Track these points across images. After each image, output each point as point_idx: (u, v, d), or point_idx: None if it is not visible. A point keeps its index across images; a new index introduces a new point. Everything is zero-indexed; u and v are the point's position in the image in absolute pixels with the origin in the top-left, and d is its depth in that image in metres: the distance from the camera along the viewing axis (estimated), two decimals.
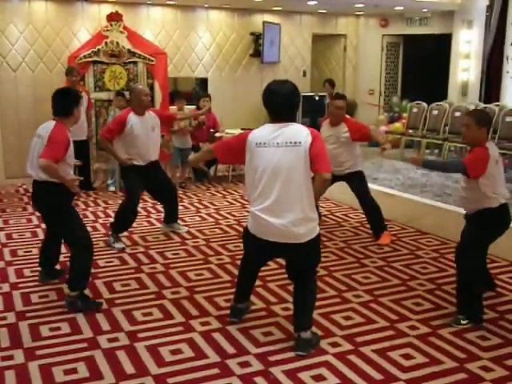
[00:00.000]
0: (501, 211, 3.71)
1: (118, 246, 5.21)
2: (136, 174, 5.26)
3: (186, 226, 5.95)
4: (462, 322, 3.66)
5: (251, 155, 3.26)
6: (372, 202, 5.53)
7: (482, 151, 3.63)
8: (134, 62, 7.89)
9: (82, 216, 5.28)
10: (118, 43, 7.71)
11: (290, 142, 3.16)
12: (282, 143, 3.17)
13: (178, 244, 5.37)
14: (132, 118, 5.15)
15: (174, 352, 3.31)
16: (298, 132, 3.20)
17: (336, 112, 5.45)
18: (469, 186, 3.69)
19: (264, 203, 3.22)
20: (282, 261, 4.89)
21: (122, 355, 3.27)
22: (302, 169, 3.16)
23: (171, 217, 5.77)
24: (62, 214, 3.94)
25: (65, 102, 3.92)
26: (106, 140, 5.21)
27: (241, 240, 5.50)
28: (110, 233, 5.39)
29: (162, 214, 6.40)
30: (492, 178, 3.64)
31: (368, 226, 6.03)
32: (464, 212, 3.88)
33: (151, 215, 6.38)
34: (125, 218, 5.35)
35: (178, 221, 5.85)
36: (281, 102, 3.24)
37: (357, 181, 5.58)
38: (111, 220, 5.63)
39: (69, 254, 4.16)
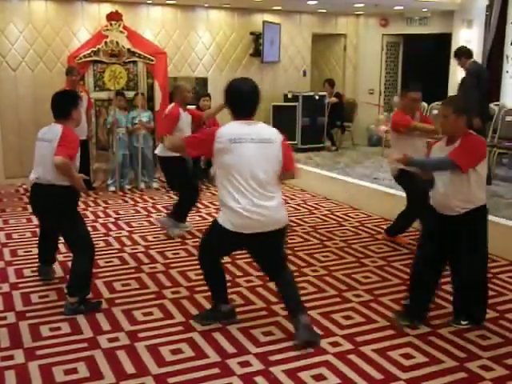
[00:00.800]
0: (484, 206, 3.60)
1: (178, 232, 5.50)
2: (182, 165, 5.45)
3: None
4: (462, 322, 3.66)
5: (226, 151, 3.31)
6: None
7: (474, 138, 3.45)
8: (134, 62, 7.90)
9: (83, 216, 5.29)
10: (117, 43, 7.70)
11: (265, 139, 3.35)
12: (257, 139, 3.33)
13: (178, 244, 5.37)
14: (182, 112, 5.34)
15: (174, 352, 3.31)
16: (269, 130, 3.46)
17: (411, 105, 4.93)
18: (460, 177, 3.43)
19: (248, 198, 3.30)
20: None
21: (122, 355, 3.28)
22: (276, 163, 3.37)
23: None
24: (68, 217, 3.92)
25: (62, 105, 3.91)
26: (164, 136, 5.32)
27: None
28: (167, 219, 5.58)
29: (163, 214, 6.41)
30: (483, 171, 3.51)
31: (368, 225, 6.05)
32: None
33: (151, 215, 6.38)
34: (188, 208, 5.62)
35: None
36: (251, 99, 3.39)
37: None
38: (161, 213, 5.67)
39: (68, 254, 4.16)
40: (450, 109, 3.45)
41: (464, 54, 6.76)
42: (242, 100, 3.39)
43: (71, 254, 4.07)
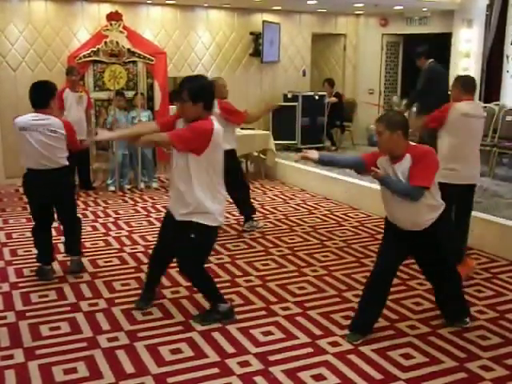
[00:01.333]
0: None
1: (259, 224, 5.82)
2: (235, 159, 5.88)
3: None
4: (466, 320, 3.67)
5: (219, 147, 3.49)
6: None
7: (424, 150, 3.31)
8: (134, 62, 7.90)
9: (82, 216, 5.30)
10: (117, 43, 7.70)
11: None
12: None
13: None
14: None
15: (173, 351, 3.31)
16: None
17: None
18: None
19: (219, 190, 3.55)
20: (280, 260, 4.90)
21: (121, 355, 3.27)
22: None
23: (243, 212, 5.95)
24: (72, 190, 4.68)
25: (42, 95, 4.24)
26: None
27: (240, 239, 5.52)
28: (245, 222, 5.82)
29: (163, 214, 6.41)
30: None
31: (368, 225, 6.05)
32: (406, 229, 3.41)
33: (151, 215, 6.37)
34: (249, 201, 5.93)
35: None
36: None
37: None
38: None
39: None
40: (383, 125, 3.29)
41: (423, 54, 6.88)
42: (214, 96, 3.57)
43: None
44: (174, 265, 4.74)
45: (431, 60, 6.85)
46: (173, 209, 3.60)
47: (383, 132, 3.28)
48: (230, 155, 5.65)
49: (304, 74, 10.26)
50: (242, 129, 7.82)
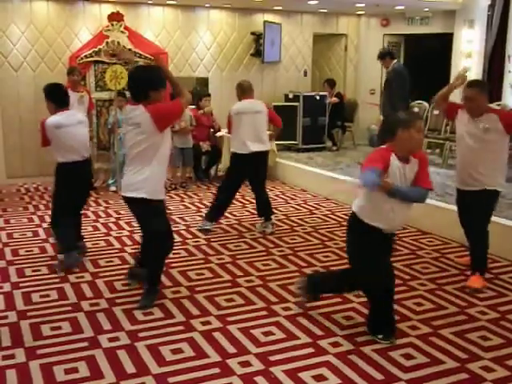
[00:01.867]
0: None
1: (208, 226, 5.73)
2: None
3: (186, 225, 5.97)
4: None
5: None
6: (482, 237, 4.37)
7: (424, 153, 3.46)
8: (135, 62, 7.89)
9: (83, 216, 5.30)
10: (118, 43, 7.71)
11: None
12: None
13: (179, 243, 5.36)
14: None
15: (174, 351, 3.31)
16: None
17: (468, 105, 4.30)
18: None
19: None
20: (281, 260, 4.90)
21: (122, 354, 3.27)
22: None
23: (260, 210, 5.92)
24: None
25: (65, 96, 4.66)
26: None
27: (241, 239, 5.50)
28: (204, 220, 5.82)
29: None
30: None
31: None
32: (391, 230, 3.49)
33: None
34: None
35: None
36: None
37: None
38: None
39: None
40: (422, 124, 3.35)
41: (388, 54, 7.15)
42: None
43: None
44: (176, 265, 4.76)
45: (395, 61, 7.19)
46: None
47: (422, 132, 3.32)
48: (268, 156, 5.88)
49: (305, 74, 10.27)
50: None
